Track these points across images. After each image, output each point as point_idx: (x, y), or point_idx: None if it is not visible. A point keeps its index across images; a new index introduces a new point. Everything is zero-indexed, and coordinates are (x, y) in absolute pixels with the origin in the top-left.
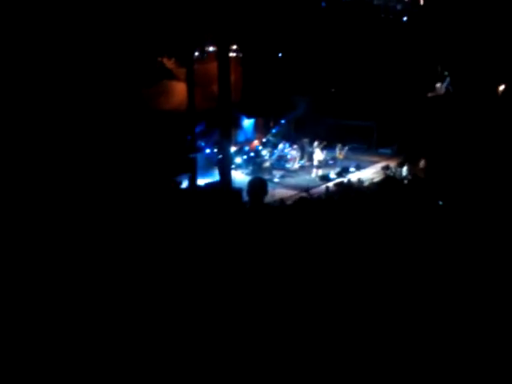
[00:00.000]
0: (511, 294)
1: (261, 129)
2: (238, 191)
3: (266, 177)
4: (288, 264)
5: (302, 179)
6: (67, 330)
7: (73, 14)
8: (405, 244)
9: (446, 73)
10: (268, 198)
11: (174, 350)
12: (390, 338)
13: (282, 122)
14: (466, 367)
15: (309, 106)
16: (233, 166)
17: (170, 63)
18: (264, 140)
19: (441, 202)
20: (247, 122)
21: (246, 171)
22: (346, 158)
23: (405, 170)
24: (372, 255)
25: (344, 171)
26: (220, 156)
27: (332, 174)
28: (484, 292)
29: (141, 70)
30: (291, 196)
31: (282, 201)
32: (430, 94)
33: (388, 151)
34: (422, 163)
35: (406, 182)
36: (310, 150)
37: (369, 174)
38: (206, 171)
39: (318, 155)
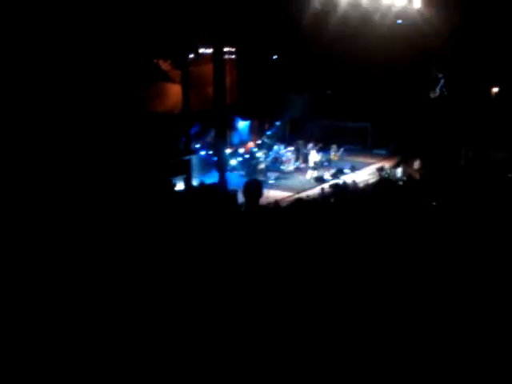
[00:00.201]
0: (504, 293)
1: (256, 131)
2: (233, 193)
3: (261, 178)
4: (284, 266)
5: (297, 181)
6: (65, 331)
7: (69, 16)
8: (400, 245)
9: (441, 75)
10: (263, 200)
11: (167, 354)
12: (383, 339)
13: (277, 123)
14: (466, 367)
15: (304, 108)
16: (228, 168)
17: (165, 65)
18: (259, 142)
19: (434, 203)
20: (242, 124)
21: (241, 173)
22: (340, 159)
23: (399, 171)
24: (368, 256)
25: (339, 172)
26: (215, 158)
27: (327, 176)
28: (478, 292)
29: (136, 71)
30: (286, 198)
31: (276, 203)
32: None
33: (383, 152)
34: (416, 164)
35: (400, 183)
36: (305, 151)
37: (364, 175)
38: (201, 173)
39: (314, 157)
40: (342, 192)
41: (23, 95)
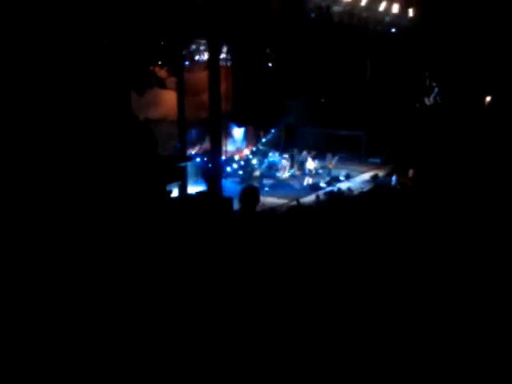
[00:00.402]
0: (498, 296)
1: (251, 138)
2: (229, 200)
3: (256, 185)
4: (279, 272)
5: (292, 188)
6: (63, 331)
7: (66, 21)
8: (396, 250)
9: (434, 84)
10: (258, 207)
11: (161, 357)
12: (378, 342)
13: (272, 131)
14: (465, 366)
15: (299, 116)
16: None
17: (161, 72)
18: (254, 149)
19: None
20: (237, 131)
21: (237, 180)
22: (335, 167)
23: (393, 180)
24: (364, 262)
25: (334, 180)
26: (210, 165)
27: (322, 183)
28: (472, 297)
29: (133, 78)
30: (281, 205)
31: (271, 210)
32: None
33: (377, 161)
34: (410, 173)
35: (395, 191)
36: (300, 159)
37: (358, 183)
38: (197, 180)
39: (310, 164)
40: (337, 199)
41: (14, 100)
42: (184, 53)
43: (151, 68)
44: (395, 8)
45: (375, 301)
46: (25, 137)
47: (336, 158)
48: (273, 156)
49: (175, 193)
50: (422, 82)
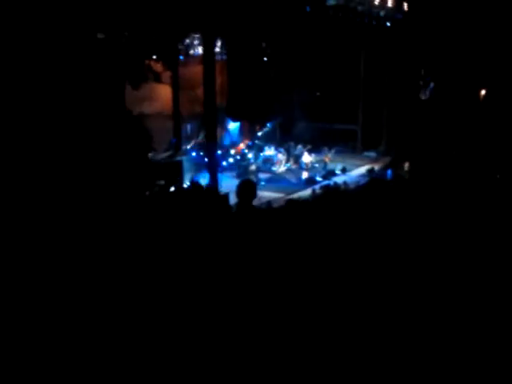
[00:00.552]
0: (494, 292)
1: (246, 132)
2: (225, 194)
3: (253, 179)
4: (277, 266)
5: (288, 182)
6: (63, 331)
7: (61, 17)
8: (393, 244)
9: (429, 78)
10: (255, 201)
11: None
12: (376, 339)
13: (268, 125)
14: (464, 366)
15: (294, 110)
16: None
17: (156, 66)
18: (250, 143)
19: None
20: (233, 126)
21: (232, 174)
22: (332, 160)
23: (389, 173)
24: (360, 255)
25: (330, 174)
26: (206, 159)
27: (318, 177)
28: (471, 291)
29: (128, 72)
30: (278, 199)
31: (269, 203)
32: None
33: (373, 154)
34: (406, 166)
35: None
36: (296, 152)
37: (354, 177)
38: (193, 174)
39: (306, 158)
40: (333, 193)
41: (10, 96)
42: (179, 47)
43: (146, 62)
44: (390, 1)
45: (372, 294)
46: (16, 127)
47: (332, 151)
48: (268, 150)
49: (171, 187)
50: (417, 75)
